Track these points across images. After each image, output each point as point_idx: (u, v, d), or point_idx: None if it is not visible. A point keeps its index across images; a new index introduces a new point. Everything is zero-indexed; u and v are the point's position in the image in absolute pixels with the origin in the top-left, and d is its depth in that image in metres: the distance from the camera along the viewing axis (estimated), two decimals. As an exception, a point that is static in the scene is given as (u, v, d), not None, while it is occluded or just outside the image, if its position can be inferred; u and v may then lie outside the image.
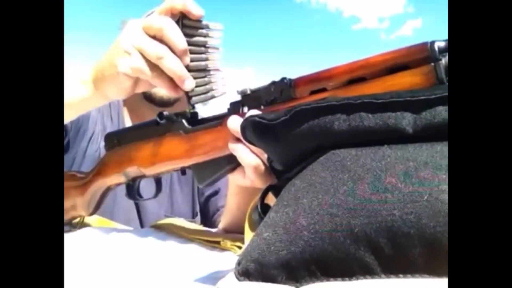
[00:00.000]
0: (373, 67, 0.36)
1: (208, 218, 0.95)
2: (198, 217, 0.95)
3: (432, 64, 0.32)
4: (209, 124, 0.49)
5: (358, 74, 0.37)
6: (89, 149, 0.89)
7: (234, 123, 0.42)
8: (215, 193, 0.95)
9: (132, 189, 0.61)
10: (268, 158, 0.37)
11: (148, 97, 0.88)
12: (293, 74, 0.42)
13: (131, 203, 0.84)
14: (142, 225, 0.88)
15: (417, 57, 0.33)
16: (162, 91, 0.86)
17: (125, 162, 0.57)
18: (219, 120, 0.48)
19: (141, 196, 0.62)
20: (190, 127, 0.51)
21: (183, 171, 0.55)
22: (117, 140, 0.59)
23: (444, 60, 0.32)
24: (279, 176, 0.35)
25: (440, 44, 0.33)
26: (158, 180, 0.61)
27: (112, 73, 0.49)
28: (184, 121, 0.52)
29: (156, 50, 0.46)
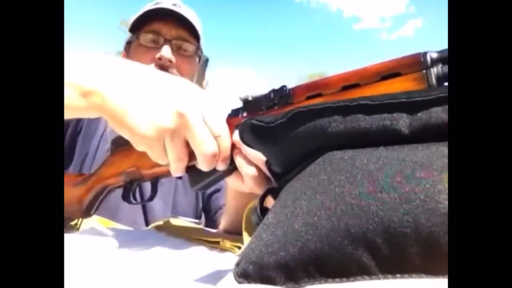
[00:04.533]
0: (367, 75, 0.37)
1: (210, 216, 0.95)
2: (203, 219, 0.95)
3: (424, 71, 0.33)
4: None
5: (352, 81, 0.38)
6: (100, 147, 0.89)
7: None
8: (217, 190, 0.94)
9: (129, 192, 0.61)
10: (267, 161, 0.37)
11: None
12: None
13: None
14: (148, 226, 0.88)
15: (410, 66, 0.34)
16: None
17: (126, 163, 0.57)
18: None
19: (136, 199, 0.62)
20: None
21: None
22: (123, 142, 0.59)
23: (435, 69, 0.33)
24: (278, 179, 0.35)
25: (433, 54, 0.33)
26: (154, 183, 0.61)
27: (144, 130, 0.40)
28: None
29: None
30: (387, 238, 0.24)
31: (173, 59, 0.86)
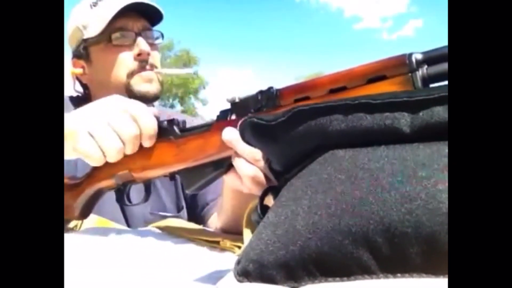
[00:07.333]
0: (354, 77, 0.38)
1: (196, 213, 0.94)
2: (184, 211, 0.94)
3: (409, 74, 0.33)
4: (198, 130, 0.51)
5: (339, 84, 0.38)
6: None
7: (229, 134, 0.42)
8: None
9: (122, 194, 0.61)
10: (267, 159, 0.37)
11: (131, 94, 0.87)
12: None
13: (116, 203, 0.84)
14: (128, 224, 0.87)
15: (396, 68, 0.35)
16: (143, 88, 0.85)
17: (117, 166, 0.57)
18: (208, 126, 0.49)
19: (130, 201, 0.62)
20: (180, 133, 0.52)
21: (171, 176, 0.56)
22: None
23: (421, 71, 0.33)
24: (278, 177, 0.35)
25: (418, 56, 0.34)
26: (147, 185, 0.62)
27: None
28: (175, 127, 0.53)
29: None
30: (388, 237, 0.24)
31: (150, 50, 0.86)
